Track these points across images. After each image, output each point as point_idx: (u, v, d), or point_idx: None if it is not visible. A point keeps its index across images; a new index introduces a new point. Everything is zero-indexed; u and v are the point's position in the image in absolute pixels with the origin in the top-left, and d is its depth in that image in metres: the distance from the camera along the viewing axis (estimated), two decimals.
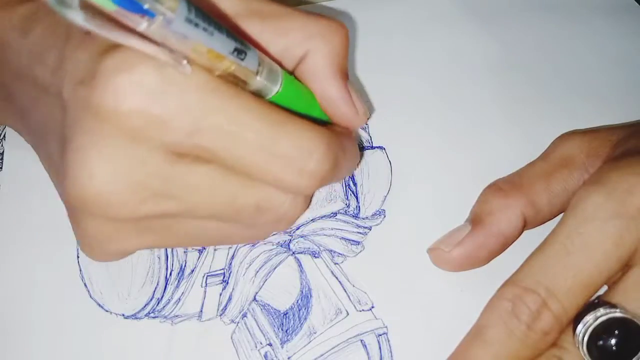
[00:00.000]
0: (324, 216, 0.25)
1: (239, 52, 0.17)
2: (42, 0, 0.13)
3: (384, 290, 0.23)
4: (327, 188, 0.26)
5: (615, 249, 0.19)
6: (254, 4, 0.20)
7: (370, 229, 0.25)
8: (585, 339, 0.19)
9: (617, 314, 0.18)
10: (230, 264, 0.24)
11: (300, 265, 0.24)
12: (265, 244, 0.25)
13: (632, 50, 0.30)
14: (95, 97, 0.16)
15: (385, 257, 0.24)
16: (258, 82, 0.19)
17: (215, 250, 0.25)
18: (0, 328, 0.23)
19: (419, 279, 0.24)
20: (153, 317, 0.23)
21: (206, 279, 0.24)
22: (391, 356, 0.22)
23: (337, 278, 0.24)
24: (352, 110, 0.22)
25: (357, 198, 0.26)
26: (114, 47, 0.17)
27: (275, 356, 0.22)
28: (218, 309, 0.23)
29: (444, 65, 0.30)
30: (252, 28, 0.20)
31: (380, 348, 0.22)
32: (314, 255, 0.24)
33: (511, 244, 0.23)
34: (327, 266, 0.24)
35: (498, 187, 0.23)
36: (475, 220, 0.22)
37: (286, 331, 0.23)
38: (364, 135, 0.27)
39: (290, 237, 0.25)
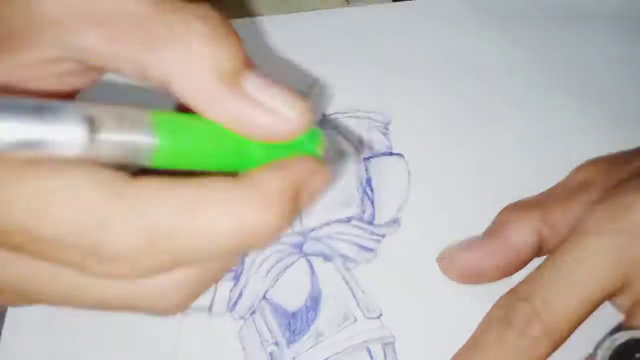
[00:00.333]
0: (339, 220, 0.25)
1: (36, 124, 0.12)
2: None
3: (393, 299, 0.23)
4: (344, 192, 0.26)
5: (616, 265, 0.19)
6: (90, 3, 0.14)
7: (384, 236, 0.25)
8: None
9: (637, 333, 0.18)
10: (243, 261, 0.25)
11: (311, 267, 0.24)
12: (278, 244, 0.25)
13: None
14: None
15: (397, 266, 0.24)
16: (107, 144, 0.12)
17: None
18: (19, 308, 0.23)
19: (429, 291, 0.24)
20: None
21: None
22: None
23: (347, 283, 0.24)
24: (260, 113, 0.14)
25: (373, 204, 0.26)
26: None
27: (281, 356, 0.22)
28: (228, 305, 0.24)
29: (471, 74, 0.29)
30: (84, 41, 0.14)
31: (385, 357, 0.22)
32: (326, 258, 0.25)
33: (523, 264, 0.22)
34: (339, 271, 0.24)
35: (514, 205, 0.23)
36: (489, 231, 0.23)
37: (293, 332, 0.23)
38: (383, 140, 0.27)
39: (303, 239, 0.25)
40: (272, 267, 0.24)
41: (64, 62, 0.14)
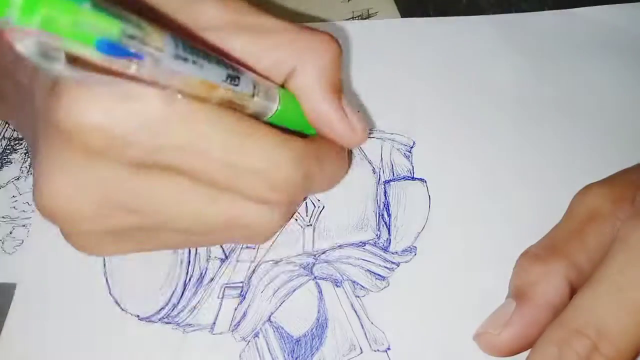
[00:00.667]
0: (352, 244, 0.24)
1: (232, 79, 0.17)
2: (22, 53, 0.12)
3: (403, 333, 0.22)
4: (360, 215, 0.25)
5: None
6: (242, 18, 0.19)
7: (398, 265, 0.24)
8: None
9: None
10: (250, 278, 0.24)
11: (320, 291, 0.23)
12: (287, 263, 0.24)
13: None
14: (56, 112, 0.16)
15: (409, 298, 0.23)
16: (255, 103, 0.18)
17: (237, 262, 0.24)
18: (22, 305, 0.23)
19: (441, 326, 0.22)
20: (166, 323, 0.23)
21: (224, 290, 0.24)
22: None
23: (356, 312, 0.23)
24: (345, 128, 0.21)
25: (389, 230, 0.25)
26: None
27: None
28: (231, 324, 0.23)
29: (498, 102, 0.28)
30: (239, 42, 0.19)
31: None
32: (336, 283, 0.24)
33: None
34: (348, 297, 0.23)
35: (534, 255, 0.21)
36: (519, 294, 0.21)
37: (296, 358, 0.22)
38: (405, 163, 0.26)
39: (314, 261, 0.24)
40: (280, 287, 0.24)
41: None
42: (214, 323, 0.23)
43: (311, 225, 0.25)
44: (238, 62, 0.19)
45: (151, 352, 0.22)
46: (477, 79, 0.28)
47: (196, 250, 0.24)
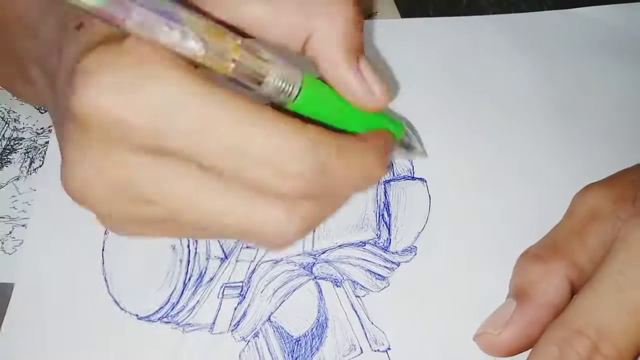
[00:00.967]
0: (352, 244, 0.24)
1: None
2: None
3: (403, 333, 0.22)
4: (360, 215, 0.25)
5: None
6: None
7: (398, 265, 0.24)
8: None
9: None
10: (250, 278, 0.24)
11: (320, 291, 0.23)
12: (287, 263, 0.24)
13: None
14: (72, 100, 0.16)
15: (409, 298, 0.23)
16: (271, 82, 0.18)
17: (237, 261, 0.24)
18: (20, 303, 0.23)
19: (441, 326, 0.22)
20: (166, 322, 0.23)
21: (224, 289, 0.23)
22: None
23: (356, 312, 0.23)
24: (364, 89, 0.20)
25: (389, 230, 0.25)
26: (98, 43, 0.17)
27: None
28: (231, 324, 0.23)
29: (499, 102, 0.28)
30: (251, 9, 0.19)
31: None
32: (336, 283, 0.24)
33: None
34: (348, 297, 0.23)
35: (534, 255, 0.21)
36: (520, 294, 0.21)
37: (296, 359, 0.22)
38: (405, 164, 0.26)
39: (314, 260, 0.24)
40: (280, 287, 0.24)
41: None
42: (214, 323, 0.23)
43: None
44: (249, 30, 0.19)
45: (150, 351, 0.22)
46: (476, 79, 0.28)
47: (196, 249, 0.24)
